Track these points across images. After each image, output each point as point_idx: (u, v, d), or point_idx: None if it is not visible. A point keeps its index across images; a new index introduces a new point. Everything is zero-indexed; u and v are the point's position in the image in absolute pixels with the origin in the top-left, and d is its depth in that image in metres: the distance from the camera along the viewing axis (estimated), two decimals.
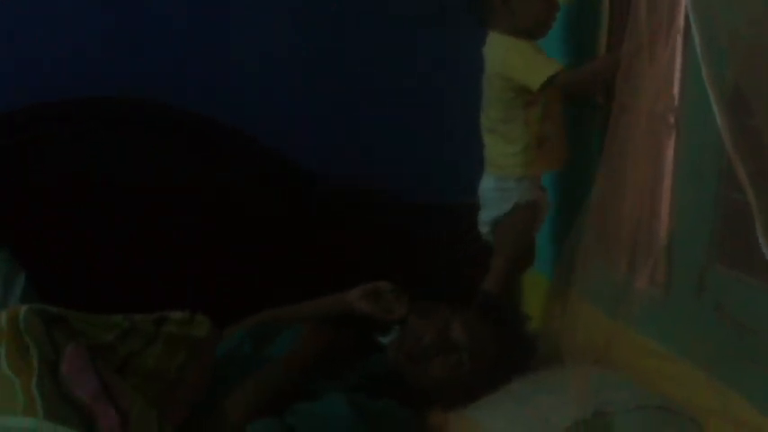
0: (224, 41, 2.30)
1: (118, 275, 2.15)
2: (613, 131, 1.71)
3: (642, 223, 1.67)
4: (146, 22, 2.24)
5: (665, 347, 1.66)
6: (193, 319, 1.66)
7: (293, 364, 1.68)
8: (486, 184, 2.14)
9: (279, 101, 2.35)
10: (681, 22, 1.54)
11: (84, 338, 1.44)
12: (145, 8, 2.23)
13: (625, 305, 1.72)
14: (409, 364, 1.73)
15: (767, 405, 1.37)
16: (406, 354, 1.74)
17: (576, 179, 2.13)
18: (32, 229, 2.09)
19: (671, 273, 1.68)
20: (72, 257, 2.14)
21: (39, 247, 2.07)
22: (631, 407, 1.52)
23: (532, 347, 1.82)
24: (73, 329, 1.44)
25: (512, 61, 1.98)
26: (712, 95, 1.19)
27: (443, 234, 2.41)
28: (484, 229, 2.18)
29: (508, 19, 1.99)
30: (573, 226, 1.78)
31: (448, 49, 2.43)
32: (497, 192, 2.11)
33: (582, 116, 2.16)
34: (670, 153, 1.69)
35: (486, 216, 2.17)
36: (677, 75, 1.64)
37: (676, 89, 1.65)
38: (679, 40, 1.59)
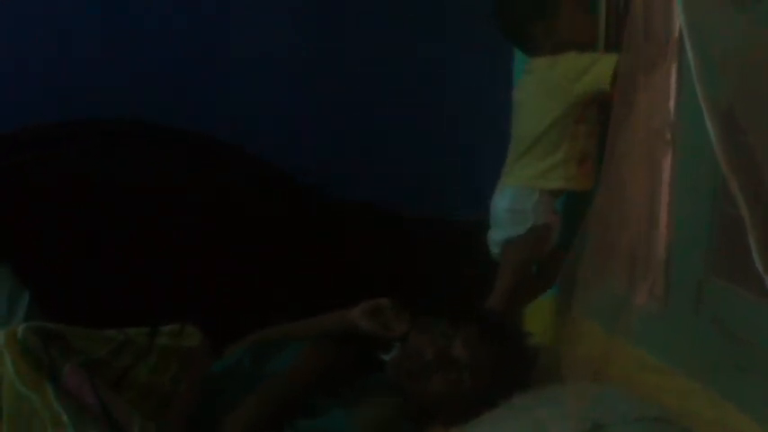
0: (224, 45, 2.32)
1: (120, 280, 2.16)
2: (611, 147, 1.72)
3: (641, 238, 1.68)
4: (144, 25, 2.26)
5: (663, 361, 1.66)
6: (183, 330, 1.67)
7: (295, 381, 1.69)
8: (501, 204, 2.08)
9: (279, 105, 2.37)
10: (676, 37, 1.56)
11: (81, 355, 1.46)
12: (143, 11, 2.25)
13: (624, 320, 1.73)
14: (410, 381, 1.74)
15: (764, 417, 1.37)
16: (406, 370, 1.75)
17: (577, 195, 2.13)
18: (33, 238, 2.11)
19: (669, 287, 1.69)
20: (74, 263, 2.15)
21: (40, 257, 2.09)
22: (630, 419, 1.52)
23: (533, 364, 1.83)
24: (70, 346, 1.45)
25: (569, 74, 1.91)
26: (706, 112, 1.21)
27: (445, 246, 2.42)
28: (495, 249, 2.13)
29: (554, 43, 1.96)
30: (573, 242, 1.79)
31: (453, 58, 2.46)
32: (511, 213, 2.05)
33: None
34: (667, 168, 1.70)
35: (497, 236, 2.11)
36: (673, 90, 1.65)
37: (672, 104, 1.66)
38: (675, 55, 1.60)
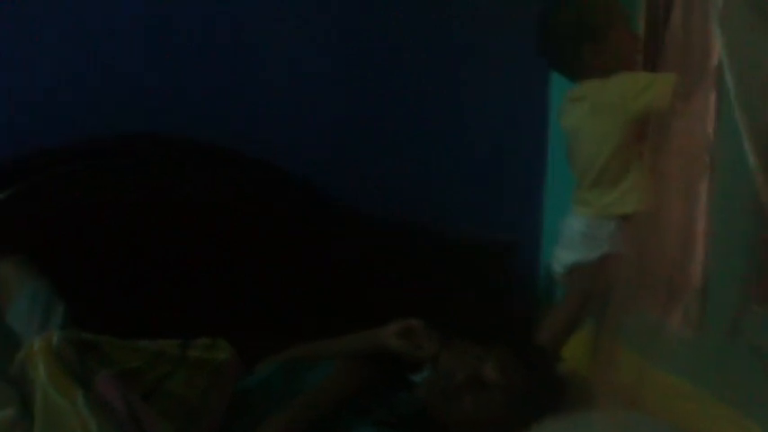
0: (235, 59, 2.34)
1: (156, 294, 2.17)
2: (648, 171, 1.71)
3: (676, 263, 1.67)
4: (159, 37, 2.29)
5: (700, 389, 1.64)
6: (215, 343, 1.68)
7: (326, 399, 1.69)
8: (577, 227, 2.03)
9: (291, 119, 2.38)
10: (715, 61, 1.55)
11: (115, 365, 1.48)
12: (161, 24, 2.28)
13: (659, 346, 1.71)
14: (441, 402, 1.73)
15: None
16: (438, 391, 1.74)
17: None
18: (75, 251, 2.13)
19: (705, 313, 1.67)
20: (111, 278, 2.17)
21: (80, 270, 2.11)
22: None
23: (563, 388, 1.81)
24: (105, 355, 1.48)
25: (627, 94, 1.88)
26: (745, 136, 1.20)
27: (482, 270, 2.41)
28: (559, 269, 2.09)
29: (602, 65, 1.94)
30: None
31: (492, 80, 2.47)
32: (587, 237, 2.00)
33: None
34: (704, 193, 1.69)
35: (566, 258, 2.06)
36: (712, 114, 1.64)
37: (711, 128, 1.65)
38: (714, 78, 1.59)
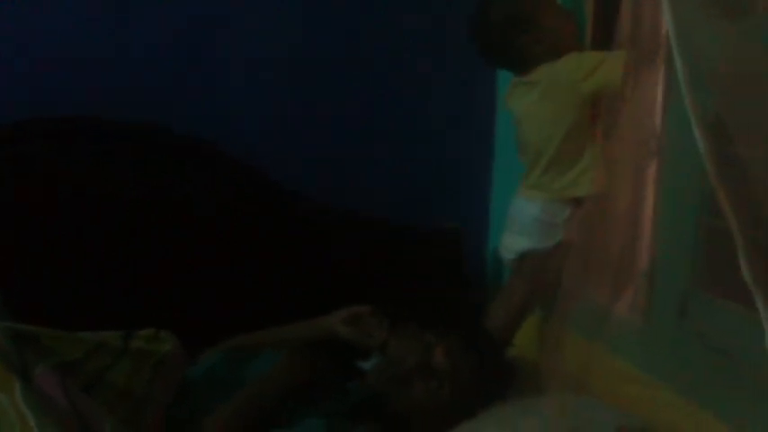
0: (211, 56, 2.31)
1: (95, 283, 2.13)
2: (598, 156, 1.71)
3: (624, 248, 1.68)
4: (130, 37, 2.25)
5: (646, 373, 1.65)
6: (158, 334, 1.65)
7: (271, 388, 1.67)
8: (530, 212, 2.01)
9: (261, 117, 2.37)
10: (663, 49, 1.56)
11: (54, 356, 1.44)
12: (133, 21, 2.24)
13: (606, 331, 1.72)
14: (390, 389, 1.72)
15: (744, 429, 1.36)
16: (387, 378, 1.73)
17: None
18: (13, 239, 2.07)
19: (652, 299, 1.68)
20: (47, 266, 2.11)
21: (14, 257, 2.04)
22: (610, 429, 1.52)
23: (512, 374, 1.82)
24: (43, 347, 1.43)
25: (577, 75, 1.86)
26: (695, 122, 1.20)
27: (427, 257, 2.40)
28: (509, 255, 2.09)
29: (545, 50, 1.93)
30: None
31: (438, 70, 2.47)
32: (543, 223, 1.99)
33: None
34: (652, 179, 1.70)
35: (519, 244, 2.04)
36: (660, 100, 1.65)
37: (659, 116, 1.66)
38: (662, 66, 1.60)
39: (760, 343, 1.09)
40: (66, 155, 2.15)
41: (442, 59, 2.47)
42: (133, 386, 1.54)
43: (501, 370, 1.79)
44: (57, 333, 1.51)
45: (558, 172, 1.95)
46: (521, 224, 2.04)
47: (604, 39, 1.89)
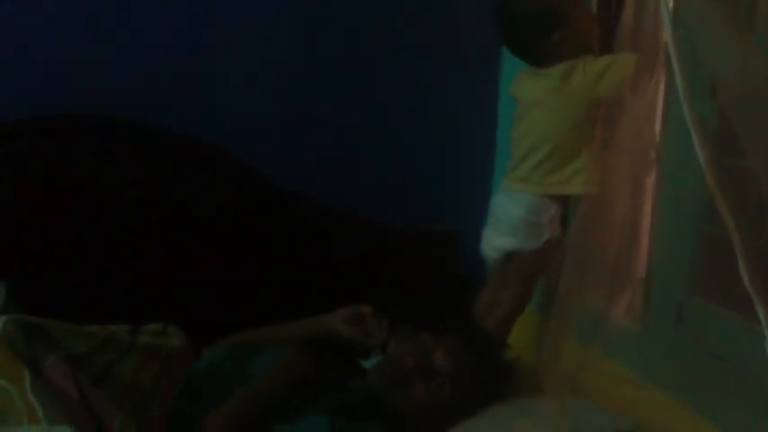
0: (209, 57, 2.31)
1: (101, 278, 2.14)
2: (597, 162, 1.73)
3: (621, 253, 1.69)
4: (130, 36, 2.24)
5: (642, 378, 1.67)
6: (166, 330, 1.66)
7: (275, 384, 1.68)
8: (515, 212, 2.01)
9: (261, 118, 2.37)
10: (663, 57, 1.57)
11: (64, 349, 1.45)
12: (130, 21, 2.24)
13: (603, 336, 1.74)
14: (390, 389, 1.73)
15: None
16: (387, 378, 1.75)
17: None
18: (13, 238, 2.07)
19: (648, 303, 1.70)
20: (55, 260, 2.11)
21: (21, 250, 2.06)
22: (608, 431, 1.54)
23: (510, 375, 1.83)
24: (52, 339, 1.44)
25: (591, 77, 1.88)
26: (694, 131, 1.22)
27: (425, 258, 2.42)
28: (493, 254, 2.08)
29: (569, 50, 1.94)
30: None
31: (439, 71, 2.47)
32: (528, 223, 1.99)
33: None
34: (651, 187, 1.72)
35: (504, 243, 2.04)
36: (659, 110, 1.67)
37: (658, 125, 1.68)
38: (662, 74, 1.62)
39: (756, 349, 1.11)
40: (66, 153, 2.15)
41: (443, 60, 2.47)
42: (140, 380, 1.54)
43: (500, 371, 1.80)
44: (66, 326, 1.51)
45: (551, 166, 1.96)
46: (507, 223, 2.04)
47: (606, 46, 1.92)
